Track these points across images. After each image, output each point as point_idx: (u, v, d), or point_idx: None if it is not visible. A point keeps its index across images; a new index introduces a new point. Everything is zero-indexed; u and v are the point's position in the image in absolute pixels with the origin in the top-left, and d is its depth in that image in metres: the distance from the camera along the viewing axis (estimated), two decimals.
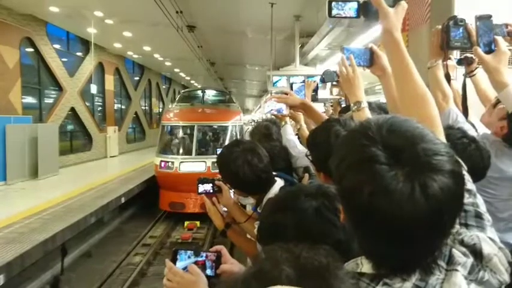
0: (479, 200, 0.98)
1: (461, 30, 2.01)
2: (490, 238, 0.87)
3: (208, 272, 1.32)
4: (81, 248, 8.30)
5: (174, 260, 1.32)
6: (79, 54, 15.95)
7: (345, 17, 1.34)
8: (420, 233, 0.72)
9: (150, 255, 8.75)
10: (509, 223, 1.99)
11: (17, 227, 6.61)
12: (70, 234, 7.01)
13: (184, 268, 1.29)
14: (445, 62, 2.23)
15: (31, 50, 12.74)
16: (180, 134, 12.36)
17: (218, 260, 1.34)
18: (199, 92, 15.47)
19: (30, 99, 12.99)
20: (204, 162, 11.10)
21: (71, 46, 15.45)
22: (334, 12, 1.32)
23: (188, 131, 12.19)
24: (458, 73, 2.83)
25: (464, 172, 0.81)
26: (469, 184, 0.95)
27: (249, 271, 0.55)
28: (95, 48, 15.17)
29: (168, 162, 11.39)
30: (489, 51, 1.86)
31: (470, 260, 0.80)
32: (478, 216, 0.94)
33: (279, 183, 2.01)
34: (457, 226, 0.85)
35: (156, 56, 19.28)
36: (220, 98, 15.60)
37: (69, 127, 15.47)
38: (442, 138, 1.09)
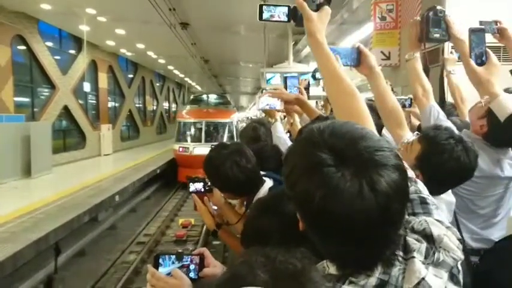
0: (420, 184, 1.04)
1: (440, 21, 2.01)
2: (437, 220, 0.90)
3: (192, 275, 1.31)
4: (75, 246, 8.25)
5: (156, 266, 1.30)
6: (72, 51, 15.82)
7: (277, 21, 1.36)
8: (374, 228, 0.74)
9: (144, 253, 8.73)
10: (489, 219, 2.01)
11: (9, 226, 6.56)
12: (63, 233, 6.98)
13: (169, 274, 1.27)
14: (423, 52, 2.20)
15: (23, 47, 12.62)
16: (192, 127, 17.16)
17: (201, 263, 1.33)
18: (205, 96, 21.94)
19: (22, 98, 12.89)
20: (210, 147, 13.66)
21: (63, 44, 15.32)
22: (265, 15, 1.34)
23: (198, 126, 17.01)
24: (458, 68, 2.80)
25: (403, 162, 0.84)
26: (408, 172, 0.97)
27: (224, 276, 0.55)
28: (88, 46, 15.06)
29: (185, 147, 16.05)
30: (481, 63, 1.87)
31: (424, 245, 0.83)
32: (423, 202, 0.99)
33: (268, 183, 2.00)
34: (406, 216, 0.89)
35: (150, 53, 19.17)
36: (220, 101, 21.28)
37: (63, 125, 15.37)
38: (372, 128, 1.13)
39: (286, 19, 1.34)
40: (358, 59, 1.46)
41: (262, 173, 2.07)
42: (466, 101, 2.73)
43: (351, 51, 1.46)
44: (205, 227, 10.12)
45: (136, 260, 8.28)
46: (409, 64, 2.17)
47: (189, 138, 16.81)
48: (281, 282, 0.49)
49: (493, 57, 1.89)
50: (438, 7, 2.03)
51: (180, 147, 16.14)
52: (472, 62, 1.86)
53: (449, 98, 2.97)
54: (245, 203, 2.09)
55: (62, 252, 7.45)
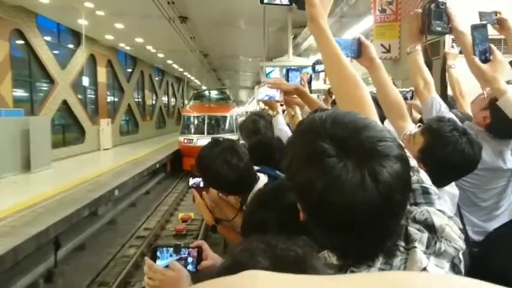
0: (422, 174, 1.02)
1: (442, 14, 1.99)
2: (439, 210, 0.90)
3: (190, 267, 1.29)
4: (75, 240, 8.26)
5: (154, 258, 1.28)
6: (70, 46, 15.74)
7: (278, 4, 1.34)
8: (375, 219, 0.73)
9: (144, 247, 8.74)
10: (491, 212, 2.01)
11: (9, 220, 6.56)
12: (63, 227, 6.98)
13: (167, 266, 1.26)
14: (425, 45, 2.19)
15: (21, 42, 12.55)
16: (196, 121, 18.74)
17: (199, 256, 1.31)
18: (207, 93, 23.86)
19: (21, 92, 12.84)
20: (211, 139, 16.13)
21: (62, 38, 15.23)
22: None
23: (201, 119, 18.62)
24: (459, 61, 2.79)
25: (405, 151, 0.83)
26: (410, 162, 0.96)
27: (225, 264, 0.54)
28: (87, 40, 14.99)
29: (189, 139, 17.63)
30: (485, 60, 1.85)
31: (425, 235, 0.83)
32: (425, 192, 0.97)
33: (263, 179, 1.96)
34: (407, 206, 0.88)
35: (149, 47, 19.12)
36: (221, 96, 22.92)
37: (62, 120, 15.34)
38: (376, 118, 1.12)
39: (288, 2, 1.32)
40: (358, 51, 1.44)
41: (256, 168, 2.04)
42: (466, 95, 2.73)
43: (351, 42, 1.44)
44: (204, 221, 10.14)
45: (136, 254, 8.30)
46: (410, 57, 2.15)
47: (192, 131, 18.47)
48: (282, 269, 0.48)
49: (497, 53, 1.86)
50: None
51: (184, 139, 17.83)
52: (477, 59, 1.84)
53: (449, 92, 2.97)
54: (240, 200, 2.05)
55: (62, 246, 7.46)
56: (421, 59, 2.14)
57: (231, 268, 0.52)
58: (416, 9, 2.11)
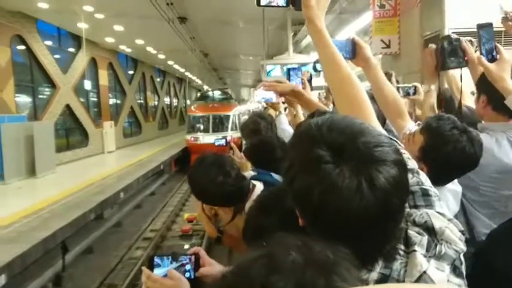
0: (422, 175, 1.02)
1: (457, 50, 1.98)
2: (439, 212, 0.90)
3: (188, 275, 1.29)
4: (82, 244, 8.30)
5: (151, 267, 1.27)
6: (71, 50, 15.78)
7: (275, 6, 1.35)
8: (373, 224, 0.74)
9: (151, 249, 8.78)
10: (510, 215, 1.99)
11: (16, 226, 6.61)
12: (70, 232, 7.03)
13: (166, 275, 1.25)
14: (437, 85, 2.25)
15: (22, 47, 12.59)
16: (201, 120, 20.27)
17: (197, 262, 1.31)
18: (210, 93, 26.13)
19: (24, 98, 12.89)
20: (216, 136, 18.10)
21: (62, 42, 15.27)
22: (262, 1, 1.33)
23: (206, 118, 20.13)
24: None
25: (403, 151, 0.83)
26: (410, 163, 0.96)
27: (258, 253, 0.55)
28: (87, 44, 15.01)
29: (195, 137, 19.21)
30: (492, 59, 1.85)
31: (425, 238, 0.83)
32: (425, 194, 0.97)
33: (259, 187, 1.89)
34: (407, 209, 0.88)
35: (149, 49, 19.12)
36: (224, 96, 24.94)
37: (65, 124, 15.38)
38: (374, 118, 1.13)
39: (284, 4, 1.32)
40: (353, 51, 1.43)
41: (252, 174, 1.99)
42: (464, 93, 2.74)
43: (346, 43, 1.43)
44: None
45: (143, 256, 8.33)
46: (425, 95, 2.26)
47: (198, 129, 20.00)
48: (312, 267, 0.50)
49: (503, 52, 1.86)
50: (453, 36, 2.01)
51: (191, 137, 19.35)
52: (483, 59, 1.83)
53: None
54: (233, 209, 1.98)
55: (69, 250, 7.51)
56: (432, 100, 2.24)
57: (264, 256, 0.53)
58: (431, 45, 2.12)
